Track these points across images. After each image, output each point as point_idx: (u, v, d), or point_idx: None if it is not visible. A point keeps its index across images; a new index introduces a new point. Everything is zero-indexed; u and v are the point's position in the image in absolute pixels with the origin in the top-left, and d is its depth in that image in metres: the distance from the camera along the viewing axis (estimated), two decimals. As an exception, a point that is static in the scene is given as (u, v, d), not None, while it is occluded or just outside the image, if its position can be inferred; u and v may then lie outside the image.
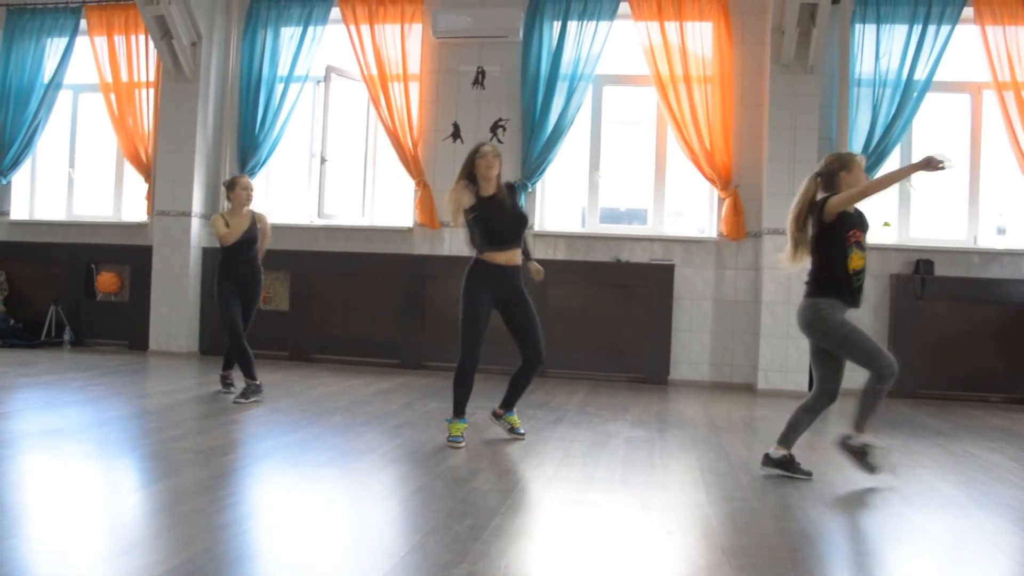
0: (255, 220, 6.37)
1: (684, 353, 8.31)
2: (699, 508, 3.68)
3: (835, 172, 4.29)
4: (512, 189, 5.08)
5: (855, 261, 4.17)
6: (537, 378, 7.79)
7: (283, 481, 4.06)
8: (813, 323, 4.27)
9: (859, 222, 4.27)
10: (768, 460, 4.37)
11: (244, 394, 6.06)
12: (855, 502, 3.97)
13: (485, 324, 4.85)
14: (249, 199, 6.37)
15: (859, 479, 4.37)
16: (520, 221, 4.97)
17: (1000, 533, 3.54)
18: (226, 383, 6.44)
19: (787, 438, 4.37)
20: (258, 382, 6.14)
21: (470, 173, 4.88)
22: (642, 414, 6.23)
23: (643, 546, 3.14)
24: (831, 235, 4.21)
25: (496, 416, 5.16)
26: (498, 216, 4.85)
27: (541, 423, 5.61)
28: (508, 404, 5.11)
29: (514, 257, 4.92)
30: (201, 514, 3.25)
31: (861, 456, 4.26)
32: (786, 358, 7.82)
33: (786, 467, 4.31)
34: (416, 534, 3.13)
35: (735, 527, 3.38)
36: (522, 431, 5.09)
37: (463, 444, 4.76)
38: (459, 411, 4.88)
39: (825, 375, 4.34)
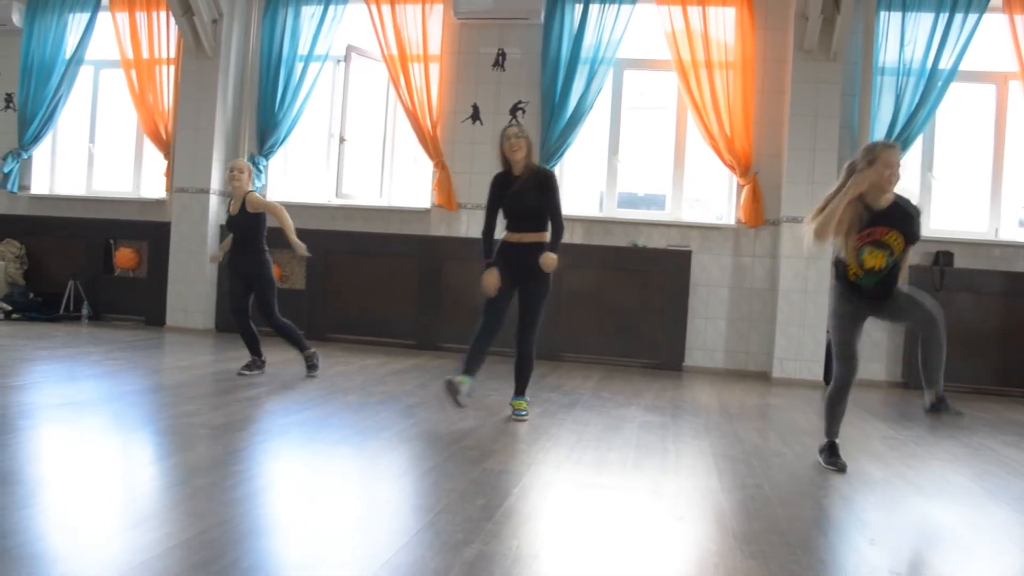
0: (245, 204, 6.23)
1: (699, 340, 8.29)
2: (711, 494, 3.67)
3: (857, 164, 4.08)
4: (541, 177, 5.08)
5: (868, 260, 4.06)
6: (552, 362, 7.84)
7: (297, 458, 4.08)
8: None
9: (879, 219, 4.06)
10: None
11: (248, 367, 6.27)
12: (868, 491, 3.95)
13: (502, 303, 5.05)
14: (232, 179, 6.27)
15: (871, 469, 4.36)
16: (523, 208, 5.06)
17: (1014, 526, 3.52)
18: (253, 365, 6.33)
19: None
20: (263, 359, 6.38)
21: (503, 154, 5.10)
22: (656, 400, 6.22)
23: (654, 531, 3.14)
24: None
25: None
26: (508, 199, 5.08)
27: (555, 406, 5.61)
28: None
29: (527, 237, 5.06)
30: (215, 488, 3.27)
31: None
32: (802, 347, 7.78)
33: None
34: (428, 513, 3.14)
35: (747, 514, 3.38)
36: (524, 413, 5.16)
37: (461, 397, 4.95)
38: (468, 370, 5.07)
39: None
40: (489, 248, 5.13)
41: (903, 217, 4.07)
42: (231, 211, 6.32)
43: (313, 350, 6.42)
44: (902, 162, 4.10)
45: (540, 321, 5.10)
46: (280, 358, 6.98)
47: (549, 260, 4.94)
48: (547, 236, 5.07)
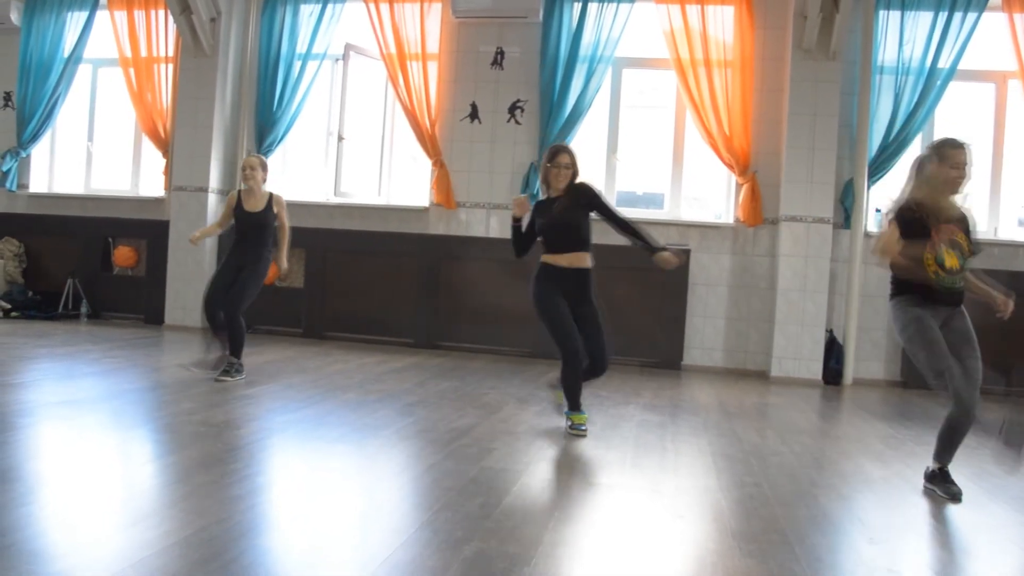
0: (271, 203, 6.08)
1: (698, 339, 8.29)
2: (710, 493, 3.67)
3: (925, 159, 3.92)
4: (578, 191, 4.92)
5: (947, 259, 3.81)
6: (550, 360, 7.82)
7: (295, 456, 4.08)
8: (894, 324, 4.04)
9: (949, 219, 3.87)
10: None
11: (223, 369, 5.89)
12: (866, 490, 3.95)
13: (570, 316, 4.79)
14: (248, 179, 6.06)
15: (870, 468, 4.36)
16: (563, 226, 4.85)
17: (1013, 526, 3.52)
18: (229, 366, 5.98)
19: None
20: (230, 357, 5.93)
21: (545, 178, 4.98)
22: (655, 398, 6.22)
23: (653, 529, 3.14)
24: None
25: (553, 387, 5.24)
26: (546, 220, 4.89)
27: (554, 405, 5.60)
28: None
29: (576, 260, 4.86)
30: (214, 486, 3.27)
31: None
32: (800, 346, 7.78)
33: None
34: (427, 511, 3.14)
35: (746, 512, 3.38)
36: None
37: (585, 431, 4.76)
38: (575, 405, 4.87)
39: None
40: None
41: (965, 222, 3.95)
42: (247, 208, 6.04)
43: (240, 363, 5.93)
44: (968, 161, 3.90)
45: (607, 336, 4.88)
46: (279, 356, 6.98)
47: (668, 257, 4.79)
48: (589, 258, 4.90)
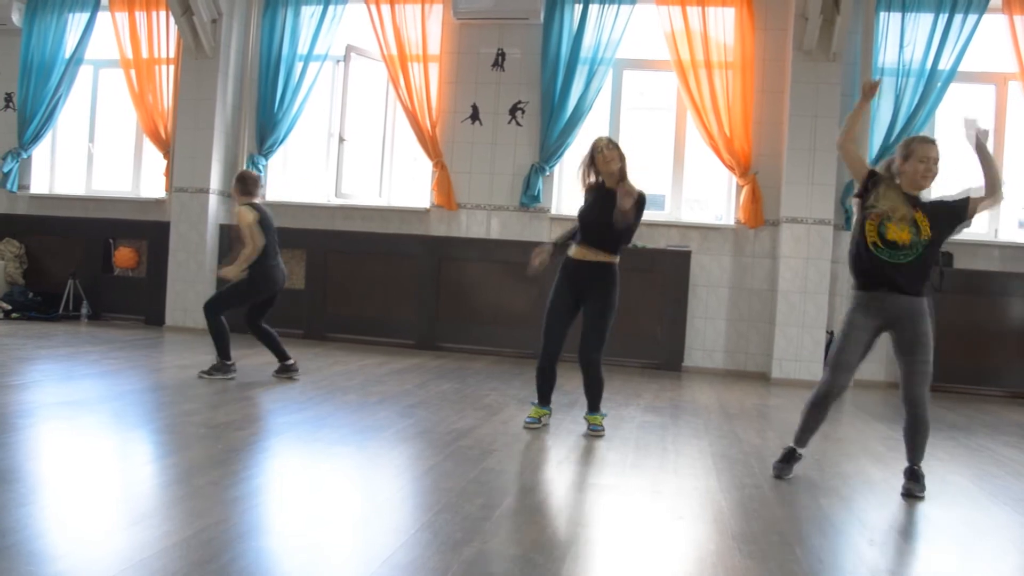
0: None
1: (699, 340, 8.29)
2: (710, 494, 3.67)
3: (894, 161, 3.96)
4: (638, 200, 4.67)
5: (891, 230, 3.79)
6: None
7: (296, 457, 4.08)
8: None
9: (915, 204, 3.86)
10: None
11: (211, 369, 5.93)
12: (867, 492, 3.95)
13: (560, 321, 4.80)
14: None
15: (871, 470, 4.36)
16: (604, 225, 4.66)
17: (1014, 527, 3.52)
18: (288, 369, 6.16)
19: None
20: (230, 362, 5.95)
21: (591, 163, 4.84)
22: (655, 400, 6.22)
23: (653, 530, 3.13)
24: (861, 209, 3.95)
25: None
26: (592, 210, 4.78)
27: (554, 406, 5.59)
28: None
29: (594, 255, 4.76)
30: (214, 487, 3.27)
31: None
32: (801, 348, 7.78)
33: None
34: (427, 512, 3.14)
35: (745, 513, 3.37)
36: (599, 428, 4.82)
37: (536, 426, 4.84)
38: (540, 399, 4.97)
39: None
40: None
41: (938, 210, 3.92)
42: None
43: (231, 362, 5.94)
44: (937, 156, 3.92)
45: (606, 339, 4.78)
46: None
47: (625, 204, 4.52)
48: (614, 258, 4.79)
